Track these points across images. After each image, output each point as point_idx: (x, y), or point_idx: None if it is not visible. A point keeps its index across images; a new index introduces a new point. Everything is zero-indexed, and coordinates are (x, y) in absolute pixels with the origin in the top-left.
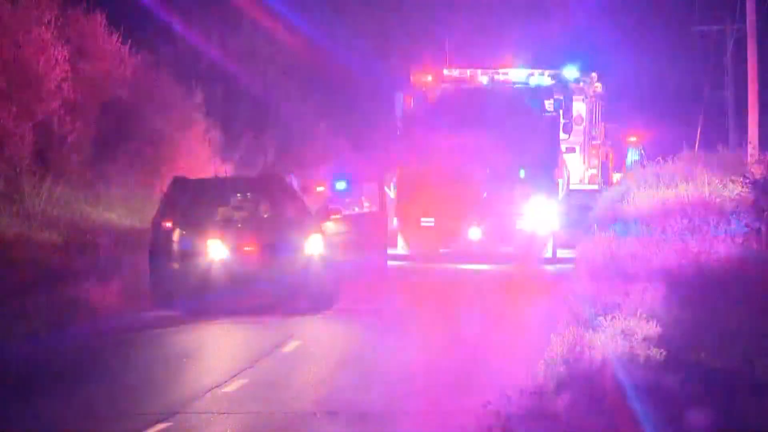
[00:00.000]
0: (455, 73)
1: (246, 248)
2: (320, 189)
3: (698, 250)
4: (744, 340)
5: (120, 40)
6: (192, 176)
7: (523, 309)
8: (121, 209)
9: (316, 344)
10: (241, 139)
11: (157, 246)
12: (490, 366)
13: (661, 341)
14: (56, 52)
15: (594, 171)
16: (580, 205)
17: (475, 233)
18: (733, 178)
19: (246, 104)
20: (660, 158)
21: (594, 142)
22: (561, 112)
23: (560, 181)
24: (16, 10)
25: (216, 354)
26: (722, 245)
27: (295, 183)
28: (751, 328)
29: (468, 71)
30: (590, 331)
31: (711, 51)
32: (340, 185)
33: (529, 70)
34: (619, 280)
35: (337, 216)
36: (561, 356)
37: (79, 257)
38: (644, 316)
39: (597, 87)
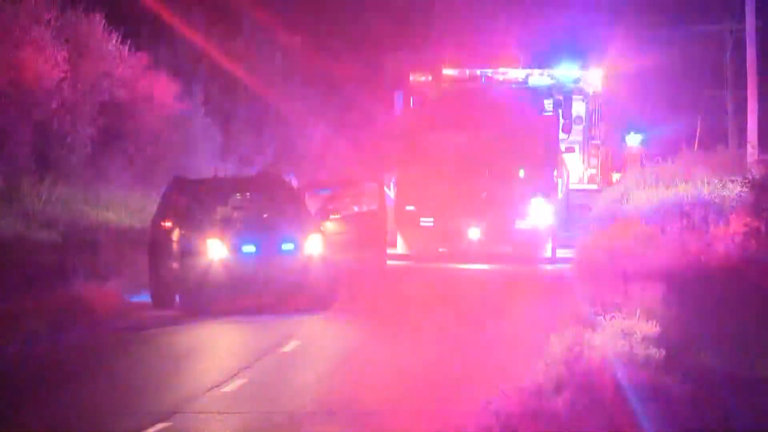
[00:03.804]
0: (454, 72)
1: (245, 248)
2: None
3: (698, 249)
4: (743, 339)
5: (119, 40)
6: (192, 176)
7: (523, 309)
8: (121, 209)
9: (315, 344)
10: (241, 139)
11: (157, 246)
12: (490, 365)
13: (660, 341)
14: (56, 52)
15: (593, 171)
16: (580, 205)
17: (474, 233)
18: (732, 178)
19: (246, 104)
20: (659, 158)
21: (593, 142)
22: (560, 111)
23: (559, 180)
24: (15, 10)
25: (215, 354)
26: (722, 245)
27: (294, 183)
28: (751, 328)
29: (467, 71)
30: (590, 330)
31: (711, 51)
32: None
33: (529, 70)
34: (618, 280)
35: (337, 216)
36: (560, 356)
37: (79, 257)
38: (644, 315)
39: (596, 87)
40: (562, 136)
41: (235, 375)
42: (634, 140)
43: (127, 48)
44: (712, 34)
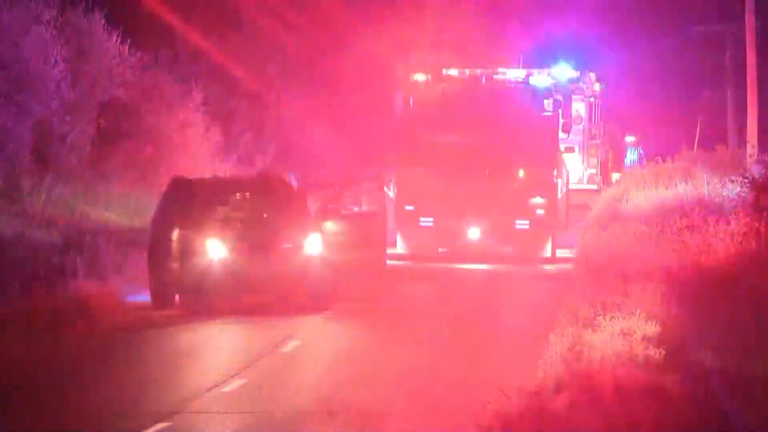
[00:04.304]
0: (454, 72)
1: (245, 248)
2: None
3: (697, 249)
4: (743, 339)
5: (119, 39)
6: (192, 176)
7: (523, 309)
8: (121, 209)
9: (315, 344)
10: (241, 139)
11: (157, 246)
12: (490, 365)
13: (660, 341)
14: (56, 52)
15: (593, 170)
16: (580, 205)
17: (474, 233)
18: (732, 177)
19: (246, 104)
20: (659, 158)
21: (593, 142)
22: (560, 111)
23: (559, 180)
24: (15, 10)
25: (215, 354)
26: (721, 245)
27: (294, 183)
28: (751, 328)
29: (467, 71)
30: (589, 330)
31: (711, 51)
32: None
33: (528, 70)
34: (618, 280)
35: (337, 216)
36: (560, 356)
37: (79, 257)
38: (643, 315)
39: (596, 86)
40: (562, 136)
41: (235, 375)
42: (633, 140)
43: (127, 48)
44: (712, 34)
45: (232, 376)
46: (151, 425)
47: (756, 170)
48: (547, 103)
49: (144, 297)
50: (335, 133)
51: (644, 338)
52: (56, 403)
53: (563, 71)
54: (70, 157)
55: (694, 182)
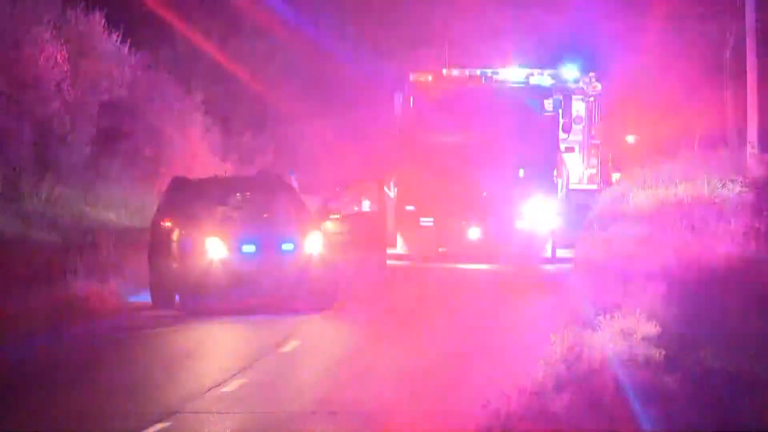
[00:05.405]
0: (454, 72)
1: (245, 248)
2: (335, 216)
3: (698, 249)
4: (743, 339)
5: (119, 39)
6: (192, 176)
7: (523, 309)
8: (121, 209)
9: (315, 344)
10: (241, 139)
11: (157, 246)
12: (490, 365)
13: (660, 341)
14: (56, 52)
15: (593, 170)
16: (580, 205)
17: (474, 233)
18: (732, 178)
19: (246, 104)
20: (659, 158)
21: (593, 142)
22: (560, 111)
23: (559, 180)
24: (15, 10)
25: (215, 353)
26: (722, 245)
27: (294, 183)
28: (751, 328)
29: (467, 71)
30: (590, 330)
31: (711, 49)
32: None
33: (529, 70)
34: (618, 280)
35: (337, 216)
36: (560, 356)
37: (79, 257)
38: (644, 315)
39: (596, 86)
40: (562, 135)
41: (235, 375)
42: (633, 140)
43: (127, 48)
44: (712, 33)
45: (232, 376)
46: (151, 425)
47: (756, 170)
48: (547, 103)
49: (144, 297)
50: (335, 133)
51: (644, 338)
52: (56, 403)
53: (563, 71)
54: (70, 157)
55: (694, 182)
